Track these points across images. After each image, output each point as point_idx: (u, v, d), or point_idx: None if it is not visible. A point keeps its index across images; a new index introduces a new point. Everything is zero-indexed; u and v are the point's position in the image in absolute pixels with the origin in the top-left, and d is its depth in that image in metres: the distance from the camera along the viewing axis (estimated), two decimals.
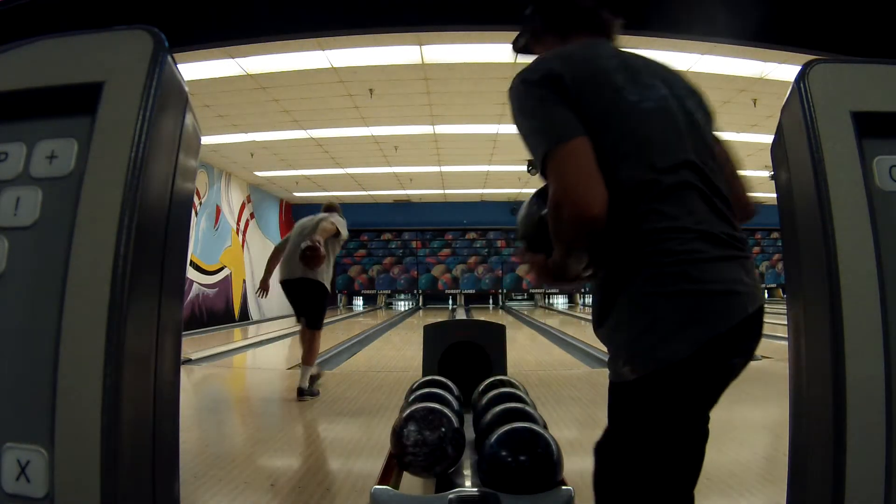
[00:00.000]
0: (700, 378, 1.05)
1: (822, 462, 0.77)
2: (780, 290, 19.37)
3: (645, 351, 1.05)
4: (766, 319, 1.07)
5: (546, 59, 1.13)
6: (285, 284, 4.72)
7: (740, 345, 1.06)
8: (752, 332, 1.07)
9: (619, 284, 1.09)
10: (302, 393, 4.45)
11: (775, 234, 18.03)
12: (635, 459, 1.09)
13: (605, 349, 1.23)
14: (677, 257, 1.03)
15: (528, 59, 1.20)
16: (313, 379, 4.64)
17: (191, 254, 10.80)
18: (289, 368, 6.25)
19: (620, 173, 1.06)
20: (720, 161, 1.16)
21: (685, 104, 1.15)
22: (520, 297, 18.70)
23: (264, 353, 8.24)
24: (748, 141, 10.01)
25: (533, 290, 18.72)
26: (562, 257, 1.11)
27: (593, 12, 1.22)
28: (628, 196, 1.06)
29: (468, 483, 1.92)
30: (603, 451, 1.16)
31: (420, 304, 18.54)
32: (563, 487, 1.73)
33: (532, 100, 1.09)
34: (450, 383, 2.65)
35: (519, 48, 1.35)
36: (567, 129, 1.05)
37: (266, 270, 4.96)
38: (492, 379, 2.70)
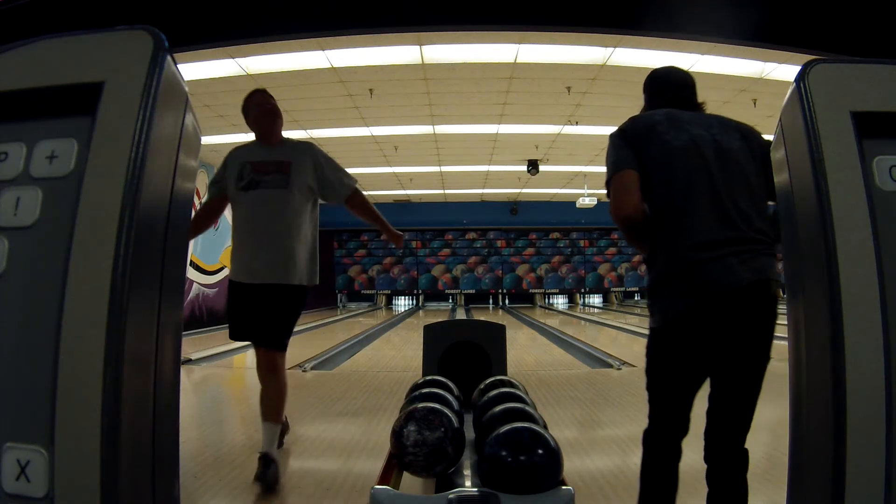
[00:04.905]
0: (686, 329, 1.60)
1: (822, 462, 0.77)
2: (780, 290, 19.36)
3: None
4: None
5: (625, 122, 1.72)
6: (245, 289, 2.80)
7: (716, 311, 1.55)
8: (726, 304, 1.53)
9: (651, 284, 1.67)
10: (270, 464, 2.56)
11: None
12: (652, 375, 1.72)
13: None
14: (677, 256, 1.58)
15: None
16: (282, 434, 3.12)
17: (191, 254, 10.80)
18: (289, 368, 6.25)
19: (655, 189, 1.62)
20: (758, 176, 1.62)
21: (719, 139, 1.64)
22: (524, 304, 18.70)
23: None
24: None
25: (532, 291, 18.73)
26: (626, 238, 1.71)
27: (669, 96, 1.79)
28: (658, 206, 1.62)
29: (468, 483, 1.92)
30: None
31: (420, 304, 18.54)
32: (563, 487, 1.73)
33: (611, 145, 1.70)
34: (450, 383, 2.65)
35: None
36: (621, 164, 1.63)
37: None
38: (492, 379, 2.70)
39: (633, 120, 1.71)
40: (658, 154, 1.61)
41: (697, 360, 1.60)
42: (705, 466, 1.65)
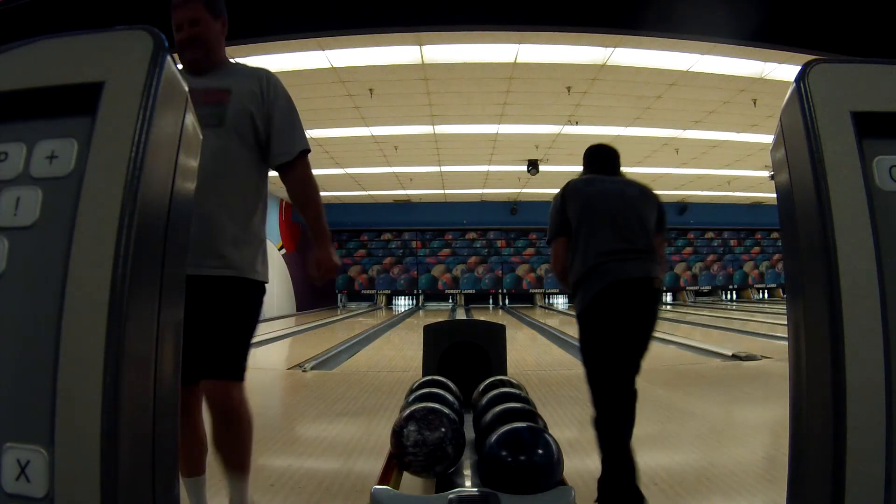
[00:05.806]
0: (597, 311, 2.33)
1: (822, 462, 0.77)
2: (780, 290, 19.35)
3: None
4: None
5: (563, 186, 2.46)
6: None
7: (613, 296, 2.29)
8: (623, 289, 2.26)
9: (573, 283, 2.41)
10: None
11: (775, 234, 18.01)
12: (583, 346, 2.40)
13: None
14: (589, 266, 2.32)
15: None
16: None
17: None
18: (289, 368, 6.26)
19: (576, 227, 2.38)
20: (648, 212, 2.41)
21: (621, 188, 2.42)
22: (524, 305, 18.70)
23: (264, 353, 8.24)
24: (748, 141, 10.01)
25: (532, 291, 18.74)
26: (558, 281, 2.54)
27: (597, 165, 2.55)
28: (577, 236, 2.38)
29: (468, 483, 1.92)
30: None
31: (420, 304, 18.54)
32: (564, 487, 1.73)
33: (552, 206, 2.47)
34: (450, 383, 2.65)
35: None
36: (557, 231, 2.43)
37: None
38: (492, 379, 2.71)
39: (566, 185, 2.46)
40: (578, 203, 2.38)
41: (613, 327, 2.27)
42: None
